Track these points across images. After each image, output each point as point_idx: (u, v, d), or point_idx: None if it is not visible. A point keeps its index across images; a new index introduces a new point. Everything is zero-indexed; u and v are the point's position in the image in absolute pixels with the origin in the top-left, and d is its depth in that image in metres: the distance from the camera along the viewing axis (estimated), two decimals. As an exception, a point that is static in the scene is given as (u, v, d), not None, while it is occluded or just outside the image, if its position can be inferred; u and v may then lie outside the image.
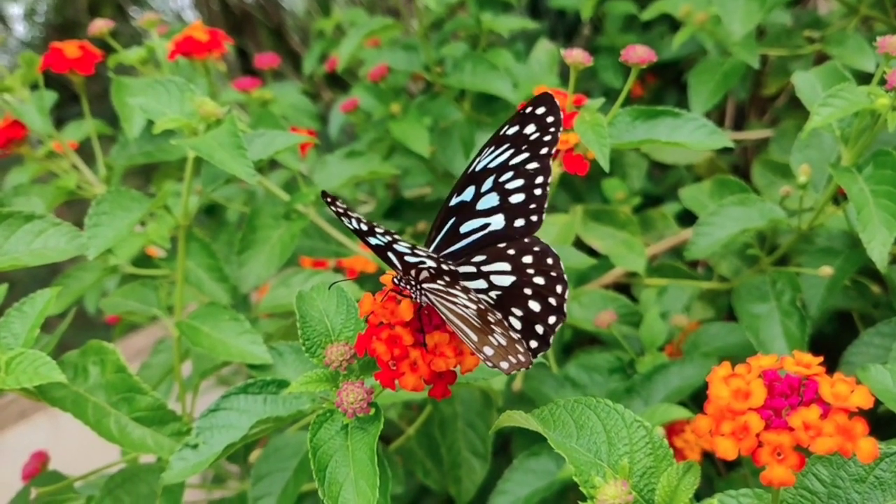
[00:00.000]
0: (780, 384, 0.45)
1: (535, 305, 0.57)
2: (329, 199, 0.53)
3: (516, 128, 0.60)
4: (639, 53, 0.78)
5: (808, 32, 1.28)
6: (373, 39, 1.59)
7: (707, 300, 1.19)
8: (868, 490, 0.51)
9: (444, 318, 0.56)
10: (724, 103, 1.67)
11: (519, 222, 0.60)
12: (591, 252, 1.06)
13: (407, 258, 0.55)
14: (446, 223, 0.62)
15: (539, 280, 0.57)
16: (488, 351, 0.54)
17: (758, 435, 0.43)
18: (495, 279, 0.59)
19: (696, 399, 0.98)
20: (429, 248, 0.62)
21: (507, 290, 0.58)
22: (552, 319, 0.57)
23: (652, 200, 1.55)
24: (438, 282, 0.55)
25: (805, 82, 0.88)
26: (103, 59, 1.11)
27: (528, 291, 0.58)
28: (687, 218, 1.30)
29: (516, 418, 0.57)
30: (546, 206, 0.60)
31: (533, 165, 0.59)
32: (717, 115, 1.68)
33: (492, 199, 0.61)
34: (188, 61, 1.15)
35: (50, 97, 1.12)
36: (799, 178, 0.89)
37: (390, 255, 0.55)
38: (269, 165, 1.33)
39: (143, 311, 1.00)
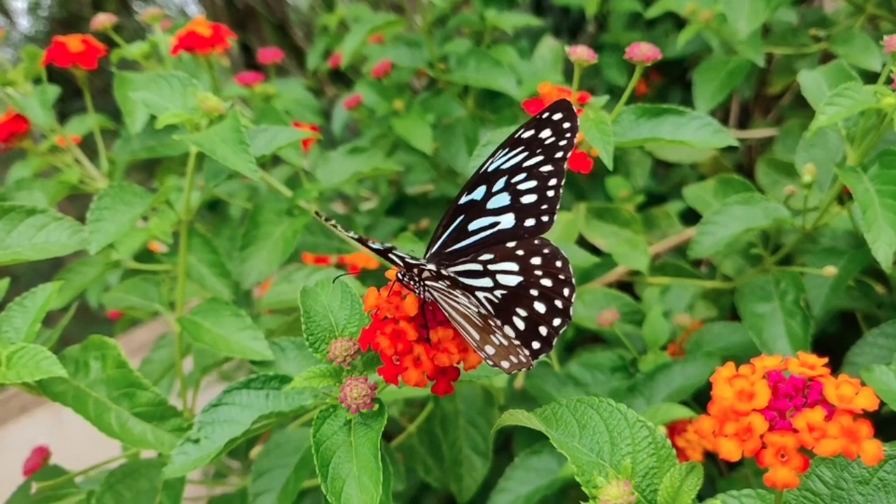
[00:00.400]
0: (784, 385, 0.44)
1: (540, 307, 0.57)
2: (325, 218, 0.53)
3: (532, 132, 0.60)
4: (643, 51, 0.78)
5: (813, 31, 1.28)
6: (376, 35, 1.59)
7: (710, 299, 1.18)
8: (872, 492, 0.50)
9: (446, 314, 0.56)
10: (729, 102, 1.67)
11: (529, 222, 0.60)
12: (594, 250, 1.06)
13: (407, 261, 0.56)
14: (454, 220, 0.62)
15: (546, 282, 0.58)
16: (490, 350, 0.54)
17: (762, 436, 0.42)
18: (501, 278, 0.59)
19: (699, 398, 0.98)
20: (434, 244, 0.63)
21: (512, 290, 0.58)
22: (557, 322, 0.57)
23: (655, 199, 1.54)
24: (440, 282, 0.55)
25: (811, 81, 0.87)
26: (106, 54, 1.11)
27: (534, 292, 0.58)
28: (690, 216, 1.30)
29: (519, 417, 0.56)
30: (558, 207, 0.60)
31: (547, 168, 0.60)
32: (721, 114, 1.68)
33: (503, 199, 0.61)
34: (191, 56, 1.14)
35: (53, 91, 1.12)
36: (804, 177, 0.88)
37: (391, 255, 0.56)
38: (271, 161, 1.33)
39: (144, 306, 1.00)
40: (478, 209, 0.61)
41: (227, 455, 1.02)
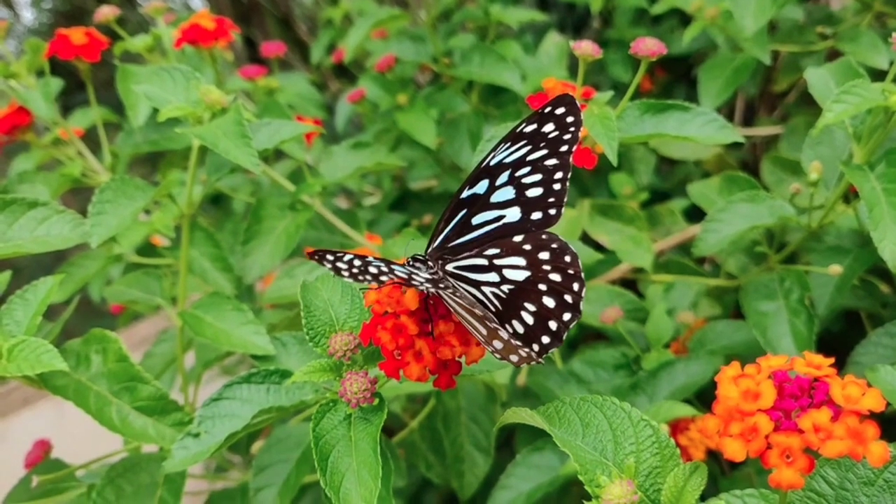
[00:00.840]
0: (790, 385, 0.44)
1: (549, 301, 0.57)
2: (318, 257, 0.53)
3: (534, 126, 0.60)
4: (649, 46, 0.77)
5: (820, 28, 1.27)
6: (380, 30, 1.58)
7: (714, 297, 1.18)
8: (877, 493, 0.50)
9: (451, 309, 0.56)
10: (734, 99, 1.66)
11: (536, 215, 0.60)
12: (598, 247, 1.06)
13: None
14: (456, 215, 0.62)
15: (555, 277, 0.57)
16: (497, 344, 0.54)
17: (767, 437, 0.42)
18: (508, 273, 0.59)
19: (702, 397, 0.98)
20: (436, 238, 0.62)
21: (520, 285, 0.58)
22: (567, 316, 0.57)
23: (659, 196, 1.54)
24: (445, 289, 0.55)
25: (818, 78, 0.87)
26: (110, 47, 1.11)
27: (542, 287, 0.58)
28: (694, 214, 1.30)
29: (522, 415, 0.56)
30: (566, 200, 0.60)
31: (552, 162, 0.59)
32: (726, 111, 1.67)
33: (507, 193, 0.61)
34: (194, 49, 1.14)
35: (56, 84, 1.11)
36: (810, 175, 0.88)
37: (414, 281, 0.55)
38: (274, 155, 1.33)
39: (146, 300, 1.00)
40: (481, 203, 0.61)
41: (228, 449, 1.01)
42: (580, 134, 0.59)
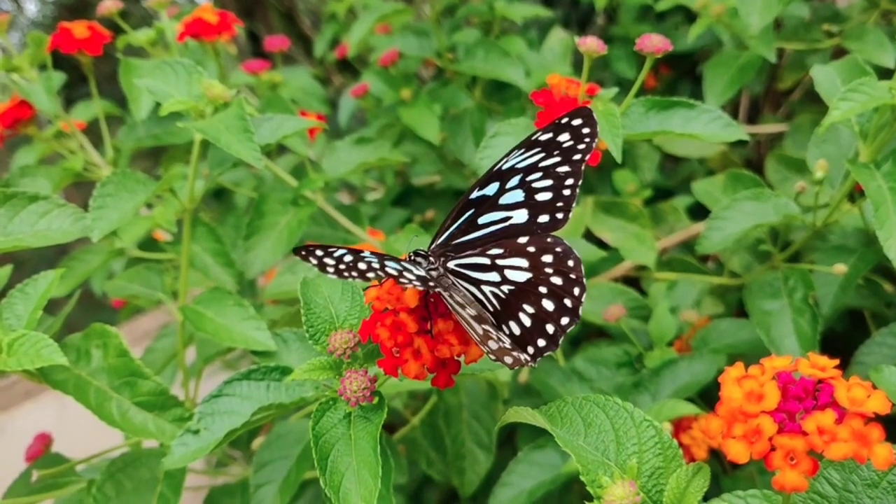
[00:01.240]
0: (794, 387, 0.44)
1: (549, 304, 0.57)
2: (304, 253, 0.53)
3: (549, 135, 0.60)
4: (654, 43, 0.77)
5: (826, 26, 1.26)
6: (384, 25, 1.58)
7: (717, 295, 1.17)
8: (881, 495, 0.49)
9: (450, 307, 0.56)
10: (738, 96, 1.65)
11: (543, 218, 0.60)
12: (601, 244, 1.05)
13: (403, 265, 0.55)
14: (463, 214, 0.62)
15: (557, 280, 0.57)
16: (492, 345, 0.53)
17: (770, 439, 0.42)
18: (510, 274, 0.59)
19: (705, 395, 0.97)
20: (441, 235, 0.63)
21: (520, 286, 0.58)
22: (565, 321, 0.57)
23: (663, 193, 1.53)
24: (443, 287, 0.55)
25: (824, 76, 0.86)
26: (112, 40, 1.10)
27: (543, 290, 0.57)
28: (698, 211, 1.29)
29: (523, 415, 0.56)
30: (574, 205, 0.60)
31: (564, 169, 0.60)
32: (730, 108, 1.66)
33: (516, 196, 0.61)
34: (198, 43, 1.14)
35: (58, 78, 1.11)
36: (816, 173, 0.87)
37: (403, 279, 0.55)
38: (277, 150, 1.32)
39: (147, 295, 1.00)
40: (489, 204, 0.61)
41: (229, 445, 1.01)
42: (594, 145, 0.59)
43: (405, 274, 0.53)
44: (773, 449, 0.42)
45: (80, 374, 0.77)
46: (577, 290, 0.57)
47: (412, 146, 1.49)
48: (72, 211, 0.80)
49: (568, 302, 0.57)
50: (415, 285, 0.53)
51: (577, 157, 0.59)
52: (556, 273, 0.57)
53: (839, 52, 1.24)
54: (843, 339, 1.13)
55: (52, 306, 0.81)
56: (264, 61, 1.39)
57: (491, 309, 0.59)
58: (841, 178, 0.90)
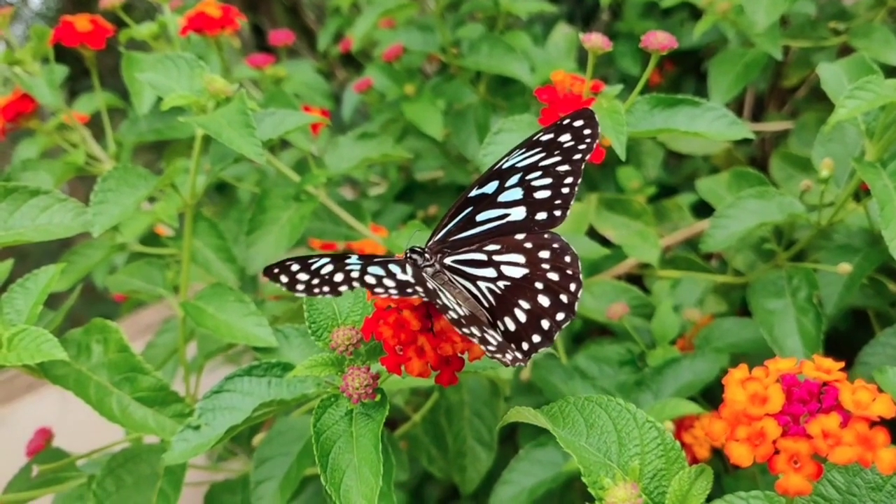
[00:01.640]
0: (798, 389, 0.43)
1: (544, 300, 0.57)
2: (276, 272, 0.53)
3: (551, 135, 0.60)
4: (659, 40, 0.76)
5: (833, 24, 1.25)
6: (388, 19, 1.57)
7: (721, 294, 1.17)
8: (885, 499, 0.49)
9: (437, 307, 0.56)
10: (743, 93, 1.65)
11: (541, 215, 0.60)
12: (604, 241, 1.05)
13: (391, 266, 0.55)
14: (462, 211, 0.62)
15: (553, 276, 0.57)
16: (490, 347, 0.53)
17: (774, 442, 0.41)
18: (506, 269, 0.59)
19: (707, 394, 0.97)
20: (439, 232, 0.63)
21: (516, 282, 0.58)
22: (560, 316, 0.57)
23: (667, 190, 1.53)
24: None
25: (831, 74, 0.86)
26: (115, 34, 1.10)
27: (539, 286, 0.57)
28: (702, 209, 1.29)
29: (525, 415, 0.55)
30: (572, 203, 0.60)
31: (564, 168, 0.60)
32: (735, 106, 1.65)
33: (515, 194, 0.61)
34: (201, 37, 1.13)
35: (60, 71, 1.11)
36: (821, 172, 0.87)
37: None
38: (280, 145, 1.32)
39: (148, 290, 1.00)
40: (488, 201, 0.62)
41: (230, 441, 1.01)
42: (595, 145, 0.59)
43: (384, 281, 0.53)
44: (776, 452, 0.42)
45: (81, 370, 0.77)
46: (573, 286, 0.57)
47: (416, 141, 1.49)
48: (73, 206, 0.79)
49: (564, 298, 0.56)
50: (390, 294, 0.52)
51: (578, 156, 0.59)
52: (552, 269, 0.58)
53: (845, 50, 1.24)
54: (846, 338, 1.13)
55: (53, 300, 0.81)
56: (268, 55, 1.38)
57: (486, 305, 0.59)
58: (846, 176, 0.90)
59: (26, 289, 0.76)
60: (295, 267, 0.53)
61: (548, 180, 0.60)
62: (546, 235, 0.59)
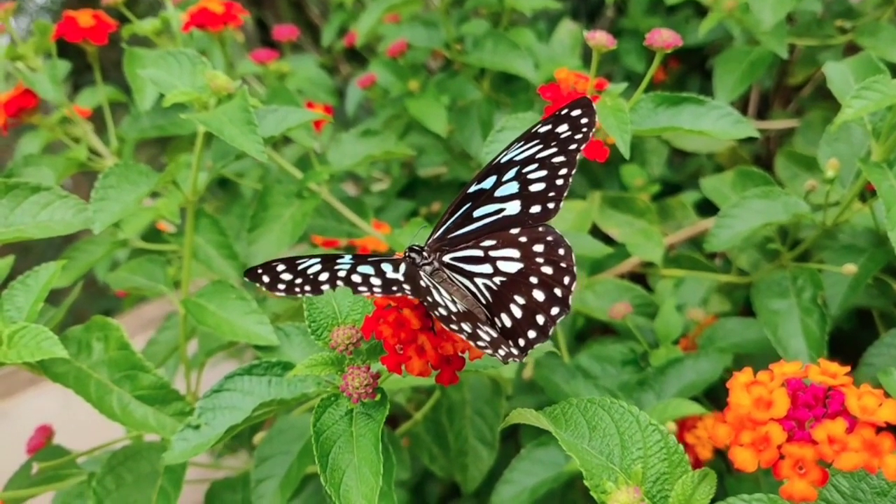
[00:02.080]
0: (804, 394, 0.43)
1: (539, 295, 0.57)
2: (259, 272, 0.53)
3: (549, 127, 0.60)
4: (664, 37, 0.76)
5: (839, 22, 1.25)
6: (393, 15, 1.56)
7: (725, 294, 1.16)
8: (890, 504, 0.49)
9: (428, 305, 0.55)
10: (748, 91, 1.64)
11: (535, 209, 0.60)
12: (608, 240, 1.04)
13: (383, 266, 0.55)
14: (461, 208, 0.62)
15: (547, 269, 0.57)
16: (482, 342, 0.53)
17: (779, 447, 0.41)
18: (502, 265, 0.59)
19: (710, 395, 0.96)
20: (438, 230, 0.63)
21: (512, 277, 0.58)
22: (555, 311, 0.56)
23: (671, 188, 1.52)
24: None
25: (837, 73, 0.85)
26: (118, 29, 1.09)
27: (533, 280, 0.57)
28: (706, 207, 1.28)
29: (527, 416, 0.55)
30: (565, 195, 0.60)
31: (559, 159, 0.60)
32: (740, 104, 1.64)
33: (511, 188, 0.61)
34: (204, 33, 1.13)
35: (63, 66, 1.10)
36: (827, 172, 0.86)
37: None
38: (282, 141, 1.32)
39: (149, 287, 0.99)
40: (486, 197, 0.62)
41: (231, 439, 1.01)
42: (591, 134, 0.59)
43: (370, 280, 0.53)
44: (781, 457, 0.41)
45: (81, 367, 0.76)
46: (567, 279, 0.56)
47: (419, 137, 1.48)
48: (74, 202, 0.79)
49: (558, 291, 0.56)
50: (374, 292, 0.52)
51: (573, 146, 0.59)
52: (546, 262, 0.57)
53: (852, 49, 1.23)
54: (850, 338, 1.12)
55: (55, 295, 0.80)
56: (272, 51, 1.38)
57: (484, 302, 0.59)
58: (852, 176, 0.89)
59: (27, 286, 0.76)
60: (280, 267, 0.53)
61: (543, 172, 0.60)
62: (540, 228, 0.59)
